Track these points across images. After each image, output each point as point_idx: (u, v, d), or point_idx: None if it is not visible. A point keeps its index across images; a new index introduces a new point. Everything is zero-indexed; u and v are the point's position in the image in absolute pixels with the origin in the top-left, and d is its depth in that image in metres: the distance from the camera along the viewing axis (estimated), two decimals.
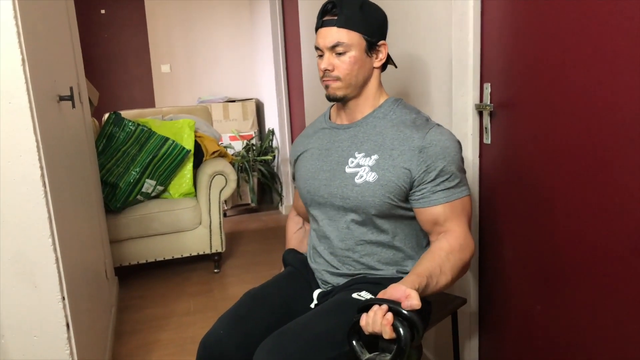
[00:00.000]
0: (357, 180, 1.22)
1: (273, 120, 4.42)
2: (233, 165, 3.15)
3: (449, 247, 1.14)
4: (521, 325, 1.46)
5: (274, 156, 4.39)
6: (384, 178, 1.19)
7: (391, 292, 0.97)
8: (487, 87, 1.49)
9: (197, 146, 3.10)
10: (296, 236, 1.58)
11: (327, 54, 1.22)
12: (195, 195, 3.09)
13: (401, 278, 1.25)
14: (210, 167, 3.00)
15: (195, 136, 3.10)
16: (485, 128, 1.52)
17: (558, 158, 1.27)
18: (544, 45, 1.28)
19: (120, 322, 2.49)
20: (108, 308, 2.29)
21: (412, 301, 0.93)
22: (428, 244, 1.31)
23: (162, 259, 2.96)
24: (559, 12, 1.22)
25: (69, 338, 1.39)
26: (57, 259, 1.33)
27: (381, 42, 1.25)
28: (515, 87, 1.40)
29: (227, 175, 3.02)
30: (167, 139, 2.90)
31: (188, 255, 3.00)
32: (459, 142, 1.22)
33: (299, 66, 3.71)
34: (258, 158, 4.26)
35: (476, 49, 1.50)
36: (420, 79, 1.76)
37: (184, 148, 2.92)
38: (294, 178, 1.50)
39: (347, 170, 1.25)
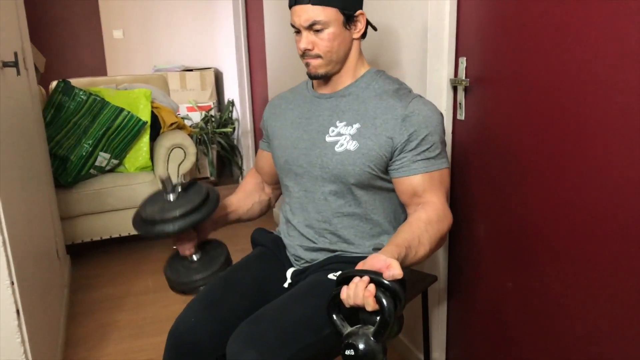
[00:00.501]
0: (338, 149, 1.17)
1: (233, 91, 4.28)
2: (192, 138, 3.02)
3: (427, 218, 1.11)
4: (491, 302, 1.46)
5: (234, 128, 4.26)
6: (365, 147, 1.15)
7: (371, 262, 0.93)
8: (463, 62, 1.45)
9: (154, 117, 2.95)
10: (253, 184, 1.49)
11: (304, 33, 1.17)
12: (152, 169, 2.95)
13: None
14: (168, 140, 2.87)
15: (152, 107, 2.95)
16: (460, 104, 1.48)
17: (532, 135, 1.25)
18: (521, 20, 1.25)
19: (74, 303, 2.37)
20: (60, 289, 2.17)
21: (393, 271, 0.89)
22: (405, 219, 1.28)
23: (117, 235, 2.83)
24: None
25: (19, 325, 1.29)
26: (4, 242, 1.22)
27: (358, 11, 1.20)
28: (491, 62, 1.37)
29: (185, 148, 2.89)
30: (122, 109, 2.74)
31: None
32: (441, 114, 1.20)
33: (261, 35, 3.57)
34: (217, 130, 4.12)
35: (452, 22, 1.45)
36: (393, 50, 1.70)
37: (140, 119, 2.77)
38: (263, 140, 1.43)
39: (328, 139, 1.20)
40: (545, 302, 1.26)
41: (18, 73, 1.60)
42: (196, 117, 4.36)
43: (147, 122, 2.83)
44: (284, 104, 1.36)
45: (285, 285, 1.26)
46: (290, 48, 2.70)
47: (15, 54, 1.55)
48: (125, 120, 2.73)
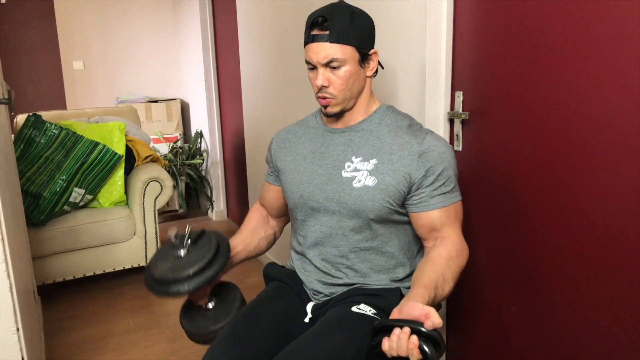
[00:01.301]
0: (356, 185, 1.20)
1: (201, 121, 4.25)
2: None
3: (448, 254, 1.15)
4: (493, 327, 1.51)
5: (204, 159, 4.22)
6: (383, 182, 1.18)
7: (409, 311, 0.95)
8: (459, 96, 1.52)
9: (128, 151, 2.90)
10: (258, 219, 1.49)
11: (321, 70, 1.19)
12: (127, 204, 2.88)
13: (396, 287, 1.25)
14: (144, 173, 2.81)
15: (126, 140, 2.89)
16: (457, 135, 1.55)
17: (529, 163, 1.32)
18: (516, 54, 1.33)
19: (51, 349, 2.25)
20: (38, 334, 2.06)
21: (433, 320, 0.91)
22: (419, 250, 1.31)
23: (91, 274, 2.72)
24: (530, 22, 1.27)
25: None
26: (10, 287, 1.17)
27: (372, 50, 1.24)
28: (487, 96, 1.44)
29: (162, 181, 2.85)
30: (97, 143, 2.67)
31: (121, 268, 2.79)
32: (452, 148, 1.25)
33: (231, 65, 3.59)
34: (187, 162, 4.07)
35: (448, 57, 1.53)
36: (392, 85, 1.76)
37: (115, 153, 2.71)
38: (270, 173, 1.44)
39: (344, 174, 1.22)
40: (551, 325, 1.32)
41: None
42: (162, 148, 4.29)
43: (122, 155, 2.77)
44: (293, 138, 1.37)
45: (306, 320, 1.26)
46: (270, 79, 2.73)
47: None
48: (101, 154, 2.66)
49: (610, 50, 1.09)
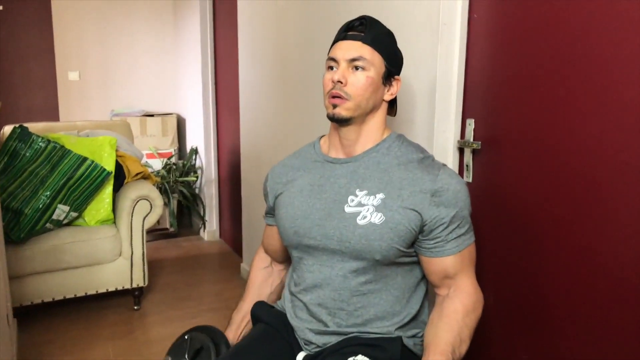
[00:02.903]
0: (360, 222, 1.07)
1: (196, 137, 4.14)
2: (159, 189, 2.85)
3: (464, 308, 1.04)
4: None
5: (198, 177, 4.09)
6: (392, 220, 1.05)
7: None
8: (470, 123, 1.41)
9: (118, 167, 2.77)
10: (262, 273, 1.40)
11: (343, 66, 1.09)
12: (114, 223, 2.74)
13: (398, 337, 1.12)
14: (133, 191, 2.68)
15: (116, 156, 2.77)
16: (467, 165, 1.43)
17: (543, 198, 1.21)
18: (532, 81, 1.23)
19: None
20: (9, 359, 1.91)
21: None
22: (425, 293, 1.19)
23: (72, 296, 2.57)
24: (547, 47, 1.17)
25: None
26: None
27: (397, 76, 1.16)
28: (500, 125, 1.34)
29: (152, 200, 2.71)
30: (85, 158, 2.54)
31: (105, 291, 2.64)
32: (466, 185, 1.12)
33: (229, 82, 3.49)
34: (180, 179, 3.94)
35: (460, 82, 1.42)
36: (400, 111, 1.65)
37: (104, 169, 2.58)
38: (268, 213, 1.32)
39: (347, 209, 1.09)
40: None
41: None
42: (156, 164, 4.17)
43: (111, 172, 2.64)
44: (290, 172, 1.24)
45: None
46: (269, 97, 2.62)
47: None
48: (89, 170, 2.53)
49: (628, 80, 0.99)
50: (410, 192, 1.06)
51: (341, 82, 1.08)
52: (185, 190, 3.95)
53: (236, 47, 3.10)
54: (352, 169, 1.14)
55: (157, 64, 4.55)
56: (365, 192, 1.10)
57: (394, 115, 1.21)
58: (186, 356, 1.15)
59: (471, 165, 1.42)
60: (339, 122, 1.11)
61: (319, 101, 2.12)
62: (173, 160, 4.20)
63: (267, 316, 1.24)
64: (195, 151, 4.11)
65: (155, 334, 2.46)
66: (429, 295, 1.22)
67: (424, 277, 1.17)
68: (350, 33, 1.11)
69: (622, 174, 1.04)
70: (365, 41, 1.08)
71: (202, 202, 4.04)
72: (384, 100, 1.15)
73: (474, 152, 1.42)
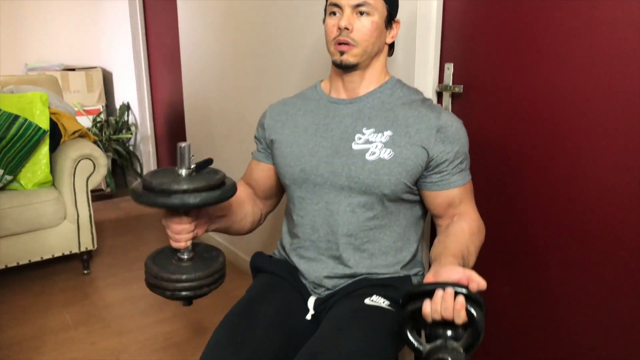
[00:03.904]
0: (369, 157, 1.08)
1: (127, 93, 3.90)
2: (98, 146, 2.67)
3: (470, 228, 1.09)
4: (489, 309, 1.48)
5: (133, 134, 3.89)
6: (401, 155, 1.08)
7: (448, 274, 0.87)
8: (450, 68, 1.45)
9: (53, 125, 2.56)
10: (246, 192, 1.32)
11: (347, 12, 1.07)
12: (54, 185, 2.56)
13: (406, 276, 1.16)
14: (74, 151, 2.50)
15: (50, 113, 2.55)
16: (446, 109, 1.47)
17: (523, 140, 1.29)
18: (508, 24, 1.28)
19: None
20: None
21: (479, 282, 0.84)
22: (421, 233, 1.24)
23: (15, 264, 2.40)
24: None
25: None
26: None
27: (397, 18, 1.16)
28: (479, 69, 1.38)
29: (95, 159, 2.55)
30: (17, 116, 2.32)
31: (50, 257, 2.49)
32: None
33: (165, 32, 3.29)
34: (114, 136, 3.72)
35: (438, 28, 1.44)
36: None
37: (39, 127, 2.38)
38: (260, 150, 1.28)
39: (355, 146, 1.10)
40: (545, 306, 1.30)
41: None
42: (83, 122, 3.89)
43: (47, 130, 2.44)
44: (290, 110, 1.23)
45: (308, 317, 1.14)
46: (218, 47, 2.51)
47: None
48: (22, 129, 2.32)
49: (607, 19, 1.06)
50: (417, 129, 1.09)
51: (348, 29, 1.07)
52: (120, 149, 3.74)
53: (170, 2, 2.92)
54: (358, 109, 1.15)
55: (74, 12, 4.18)
56: (372, 130, 1.11)
57: (391, 55, 1.21)
58: (191, 162, 1.00)
59: (450, 109, 1.47)
60: (346, 68, 1.11)
61: (275, 49, 2.07)
62: (102, 117, 3.95)
63: (268, 266, 1.24)
64: (127, 107, 3.88)
65: (112, 297, 2.38)
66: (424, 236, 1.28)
67: (422, 216, 1.22)
68: None
69: (600, 116, 1.12)
70: None
71: (139, 160, 3.86)
72: (386, 43, 1.16)
73: (452, 95, 1.46)
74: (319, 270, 1.16)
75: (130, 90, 3.81)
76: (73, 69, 4.02)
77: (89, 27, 4.23)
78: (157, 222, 3.44)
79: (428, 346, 0.87)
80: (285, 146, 1.19)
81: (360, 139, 1.11)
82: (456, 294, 0.84)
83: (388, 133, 1.10)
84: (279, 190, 1.34)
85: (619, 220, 1.11)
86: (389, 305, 1.08)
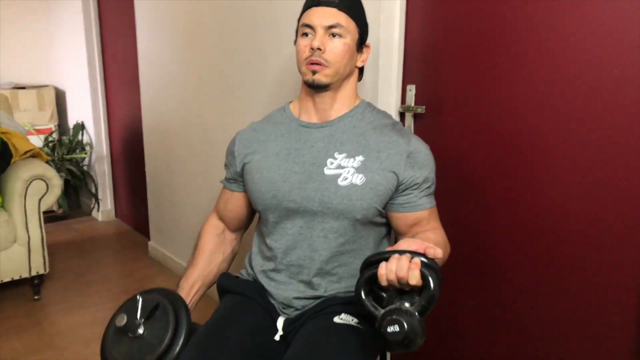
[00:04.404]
0: (341, 183, 1.09)
1: (82, 111, 3.80)
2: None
3: (435, 238, 1.10)
4: (450, 321, 1.51)
5: (87, 153, 3.77)
6: (372, 180, 1.09)
7: (407, 244, 0.89)
8: (412, 89, 1.49)
9: (3, 145, 2.46)
10: (214, 240, 1.34)
11: (320, 33, 1.09)
12: (2, 206, 2.45)
13: None
14: (25, 171, 2.41)
15: (0, 132, 2.45)
16: (408, 127, 1.52)
17: (485, 159, 1.34)
18: (468, 48, 1.34)
19: None
20: None
21: (435, 249, 0.88)
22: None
23: None
24: (479, 14, 1.29)
25: None
26: None
27: (368, 42, 1.19)
28: (440, 90, 1.43)
29: (48, 179, 2.46)
30: None
31: None
32: None
33: (122, 50, 3.24)
34: (67, 156, 3.60)
35: (400, 51, 1.49)
36: None
37: None
38: (231, 179, 1.28)
39: (327, 171, 1.11)
40: (507, 319, 1.34)
41: None
42: (34, 141, 3.75)
43: None
44: (261, 136, 1.22)
45: (277, 337, 1.13)
46: (177, 66, 2.49)
47: None
48: None
49: (566, 39, 1.13)
50: (388, 154, 1.11)
51: (320, 49, 1.08)
52: (74, 169, 3.62)
53: (132, 12, 2.88)
54: (329, 133, 1.16)
55: (25, 32, 4.05)
56: (344, 154, 1.12)
57: (360, 80, 1.24)
58: (138, 316, 1.04)
59: (412, 129, 1.51)
60: (318, 88, 1.13)
61: (239, 69, 2.07)
62: (54, 136, 3.82)
63: (236, 286, 1.22)
64: (82, 126, 3.77)
65: (64, 324, 2.27)
66: None
67: (386, 235, 1.24)
68: (324, 0, 1.10)
69: (559, 134, 1.18)
70: (341, 8, 1.09)
71: (93, 181, 3.74)
72: (356, 66, 1.18)
73: (415, 116, 1.50)
74: (288, 292, 1.16)
75: (85, 109, 3.71)
76: (23, 87, 3.89)
77: (41, 43, 4.11)
78: (112, 243, 3.34)
79: (382, 310, 0.88)
80: (256, 172, 1.18)
81: (332, 163, 1.12)
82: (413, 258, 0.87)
83: (360, 158, 1.11)
84: (252, 215, 1.34)
85: (583, 235, 1.17)
86: (357, 323, 1.08)
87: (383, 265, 0.87)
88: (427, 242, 1.03)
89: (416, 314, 0.84)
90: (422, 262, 0.86)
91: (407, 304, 0.87)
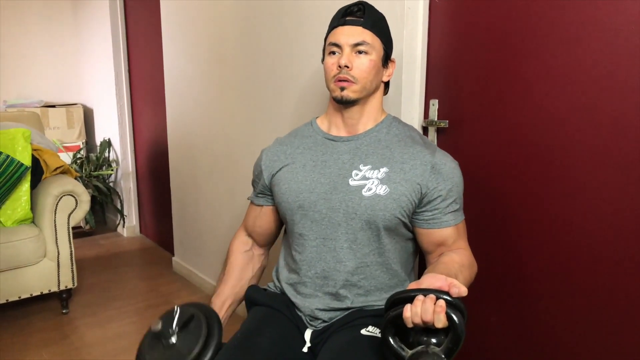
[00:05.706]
0: (365, 193, 1.11)
1: (108, 129, 3.89)
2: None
3: (460, 260, 1.10)
4: (475, 337, 1.49)
5: (114, 170, 3.85)
6: (396, 191, 1.11)
7: (430, 281, 0.89)
8: (434, 104, 1.50)
9: (35, 161, 2.54)
10: (243, 257, 1.37)
11: (347, 51, 1.12)
12: (33, 222, 2.52)
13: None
14: (55, 187, 2.47)
15: (32, 149, 2.53)
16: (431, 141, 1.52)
17: (508, 173, 1.34)
18: (491, 62, 1.34)
19: None
20: None
21: (460, 288, 0.87)
22: (413, 267, 1.26)
23: None
24: (502, 28, 1.29)
25: None
26: None
27: (393, 57, 1.22)
28: (463, 104, 1.44)
29: (78, 195, 2.52)
30: None
31: (28, 296, 2.42)
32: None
33: (148, 68, 3.32)
34: (94, 173, 3.69)
35: (423, 66, 1.51)
36: None
37: (22, 164, 2.36)
38: (260, 193, 1.31)
39: (352, 182, 1.13)
40: (533, 335, 1.32)
41: None
42: (63, 158, 3.85)
43: (29, 167, 2.42)
44: (288, 150, 1.25)
45: (305, 349, 1.14)
46: (204, 83, 2.55)
47: None
48: (4, 165, 2.30)
49: (590, 57, 1.13)
50: (412, 165, 1.12)
51: (347, 67, 1.12)
52: (100, 185, 3.70)
53: (159, 30, 2.96)
54: (355, 146, 1.18)
55: (55, 50, 4.19)
56: (369, 166, 1.14)
57: (386, 93, 1.26)
58: (174, 325, 1.07)
59: (435, 143, 1.52)
60: (346, 103, 1.16)
61: (264, 86, 2.11)
62: (82, 153, 3.92)
63: (264, 299, 1.24)
64: (108, 143, 3.86)
65: (91, 337, 2.31)
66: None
67: (413, 252, 1.24)
68: (349, 18, 1.14)
69: (584, 146, 1.17)
70: (365, 26, 1.13)
71: (119, 197, 3.82)
72: (382, 81, 1.20)
73: (438, 130, 1.51)
74: (314, 304, 1.17)
75: (112, 126, 3.80)
76: (53, 106, 4.00)
77: (70, 63, 4.24)
78: (137, 259, 3.39)
79: (410, 352, 0.88)
80: (284, 182, 1.21)
81: (357, 175, 1.14)
82: (437, 298, 0.86)
83: (384, 170, 1.13)
84: (279, 230, 1.37)
85: (611, 251, 1.15)
86: None
87: (408, 307, 0.87)
88: (452, 264, 1.05)
89: (443, 356, 0.85)
90: (447, 304, 0.86)
91: (433, 344, 0.87)
